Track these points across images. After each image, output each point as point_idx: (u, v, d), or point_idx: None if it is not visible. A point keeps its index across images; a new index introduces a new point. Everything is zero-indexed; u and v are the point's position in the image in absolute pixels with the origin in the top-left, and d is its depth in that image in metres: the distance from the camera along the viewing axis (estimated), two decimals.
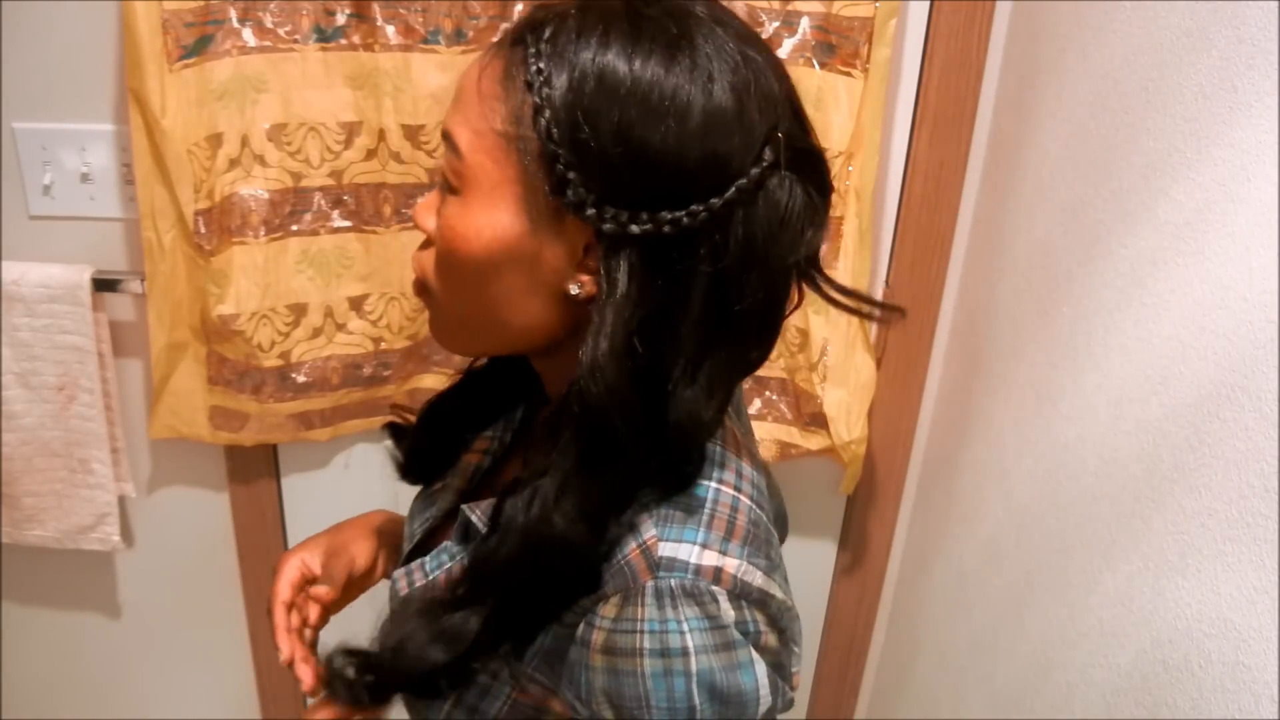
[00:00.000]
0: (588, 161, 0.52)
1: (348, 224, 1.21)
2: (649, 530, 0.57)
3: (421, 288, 0.63)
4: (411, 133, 1.16)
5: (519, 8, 1.13)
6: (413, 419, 0.81)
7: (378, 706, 0.64)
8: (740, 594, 0.56)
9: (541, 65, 0.53)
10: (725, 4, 0.63)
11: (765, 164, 0.54)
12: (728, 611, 0.55)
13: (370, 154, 1.17)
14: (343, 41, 1.13)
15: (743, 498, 0.60)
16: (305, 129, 1.15)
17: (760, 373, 1.27)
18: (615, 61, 0.52)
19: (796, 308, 0.60)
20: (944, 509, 1.25)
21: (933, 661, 1.23)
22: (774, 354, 0.62)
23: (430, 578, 0.68)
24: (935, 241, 1.24)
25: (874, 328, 1.26)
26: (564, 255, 0.56)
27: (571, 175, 0.53)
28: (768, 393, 1.29)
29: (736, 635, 0.56)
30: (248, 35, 1.11)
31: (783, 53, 1.12)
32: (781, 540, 0.81)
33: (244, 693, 1.55)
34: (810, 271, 0.59)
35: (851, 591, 1.47)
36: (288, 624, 0.74)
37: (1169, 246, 0.75)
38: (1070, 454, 0.88)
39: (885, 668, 1.48)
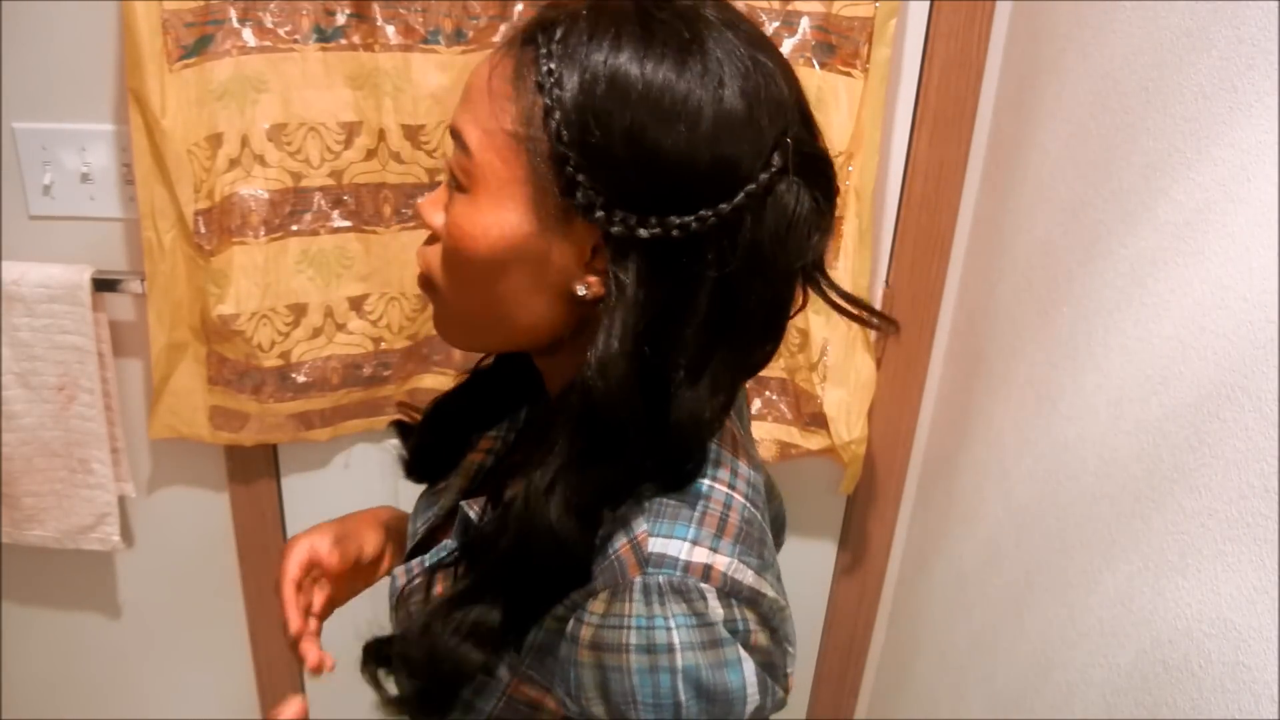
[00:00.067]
0: (597, 164, 0.52)
1: (348, 224, 1.21)
2: (640, 526, 0.57)
3: (426, 283, 0.63)
4: (411, 133, 1.16)
5: (519, 8, 1.13)
6: (419, 417, 0.81)
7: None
8: (730, 592, 0.56)
9: (552, 66, 0.53)
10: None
11: (774, 169, 0.54)
12: (716, 609, 0.55)
13: (370, 154, 1.17)
14: (343, 41, 1.13)
15: (737, 496, 0.60)
16: (305, 129, 1.15)
17: (760, 372, 1.27)
18: (627, 65, 0.52)
19: (800, 309, 0.60)
20: (944, 509, 1.25)
21: (933, 661, 1.23)
22: (773, 358, 0.62)
23: (429, 575, 0.68)
24: (935, 241, 1.24)
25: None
26: (571, 256, 0.56)
27: (581, 177, 0.53)
28: (768, 393, 1.29)
29: (724, 633, 0.56)
30: (248, 35, 1.11)
31: (782, 52, 1.12)
32: (780, 542, 0.81)
33: (244, 693, 1.55)
34: (815, 275, 0.59)
35: (851, 591, 1.47)
36: (296, 601, 0.74)
37: (1169, 246, 0.75)
38: (1070, 454, 0.88)
39: (885, 668, 1.48)
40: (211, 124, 1.12)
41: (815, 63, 1.12)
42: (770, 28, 1.11)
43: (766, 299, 0.56)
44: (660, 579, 0.55)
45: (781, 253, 0.55)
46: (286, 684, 1.54)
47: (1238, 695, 0.62)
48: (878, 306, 1.14)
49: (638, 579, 0.55)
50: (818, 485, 1.40)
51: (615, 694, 0.56)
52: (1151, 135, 0.79)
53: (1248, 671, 0.62)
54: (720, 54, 0.53)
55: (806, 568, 1.47)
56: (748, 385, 1.29)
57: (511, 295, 0.58)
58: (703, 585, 0.55)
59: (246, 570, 1.45)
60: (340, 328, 1.25)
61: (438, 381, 1.32)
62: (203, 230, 1.14)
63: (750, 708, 0.57)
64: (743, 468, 0.63)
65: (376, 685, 0.66)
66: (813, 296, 0.61)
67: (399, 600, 0.70)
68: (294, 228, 1.19)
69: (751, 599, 0.57)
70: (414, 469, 0.81)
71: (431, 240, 0.62)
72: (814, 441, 1.30)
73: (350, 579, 0.80)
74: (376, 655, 0.67)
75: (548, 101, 0.53)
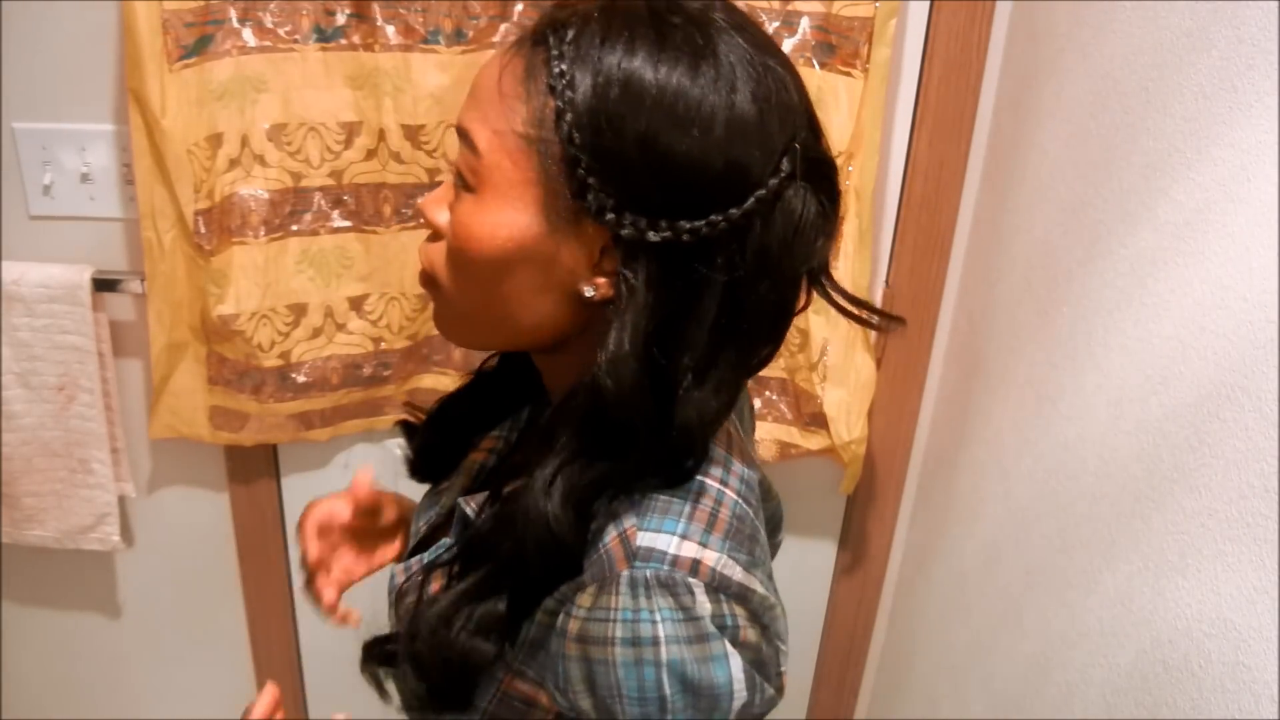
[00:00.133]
0: (609, 167, 0.53)
1: (348, 224, 1.21)
2: (629, 520, 0.57)
3: (428, 280, 0.63)
4: (411, 133, 1.16)
5: (519, 8, 1.13)
6: (424, 417, 0.81)
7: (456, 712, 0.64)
8: (718, 587, 0.56)
9: (564, 67, 0.53)
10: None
11: (783, 175, 0.54)
12: (703, 604, 0.55)
13: (370, 154, 1.17)
14: (343, 41, 1.13)
15: (728, 492, 0.60)
16: (305, 129, 1.15)
17: (760, 372, 1.26)
18: (642, 68, 0.52)
19: (803, 309, 0.61)
20: (944, 509, 1.25)
21: (933, 661, 1.23)
22: (774, 357, 0.63)
23: (426, 572, 0.68)
24: (935, 241, 1.24)
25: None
26: (580, 257, 0.56)
27: (592, 180, 0.53)
28: (768, 393, 1.29)
29: (711, 628, 0.56)
30: (248, 35, 1.11)
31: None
32: (777, 542, 0.81)
33: (244, 693, 1.55)
34: (820, 278, 0.60)
35: (851, 591, 1.47)
36: (316, 539, 0.78)
37: (1169, 246, 0.75)
38: (1070, 454, 0.88)
39: (885, 668, 1.48)
40: (211, 124, 1.12)
41: (815, 63, 1.12)
42: (770, 28, 1.11)
43: (773, 301, 0.57)
44: (647, 573, 0.55)
45: (788, 256, 0.55)
46: (287, 684, 1.54)
47: (1238, 695, 0.62)
48: (878, 306, 1.14)
49: (625, 572, 0.55)
50: (818, 485, 1.40)
51: (601, 687, 0.56)
52: (1151, 135, 0.79)
53: (1248, 671, 0.62)
54: (733, 59, 0.53)
55: (806, 568, 1.47)
56: (748, 385, 1.30)
57: (517, 295, 0.58)
58: (690, 580, 0.55)
59: (246, 570, 1.45)
60: (340, 328, 1.25)
61: (438, 381, 1.32)
62: (203, 230, 1.14)
63: (737, 703, 0.57)
64: (736, 465, 0.63)
65: (378, 685, 0.66)
66: (813, 297, 0.61)
67: (397, 597, 0.70)
68: (294, 228, 1.19)
69: (740, 594, 0.57)
70: (418, 469, 0.81)
71: (434, 237, 0.62)
72: (814, 441, 1.30)
73: (367, 543, 0.82)
74: (377, 655, 0.67)
75: (560, 104, 0.53)
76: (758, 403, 1.29)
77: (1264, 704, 0.60)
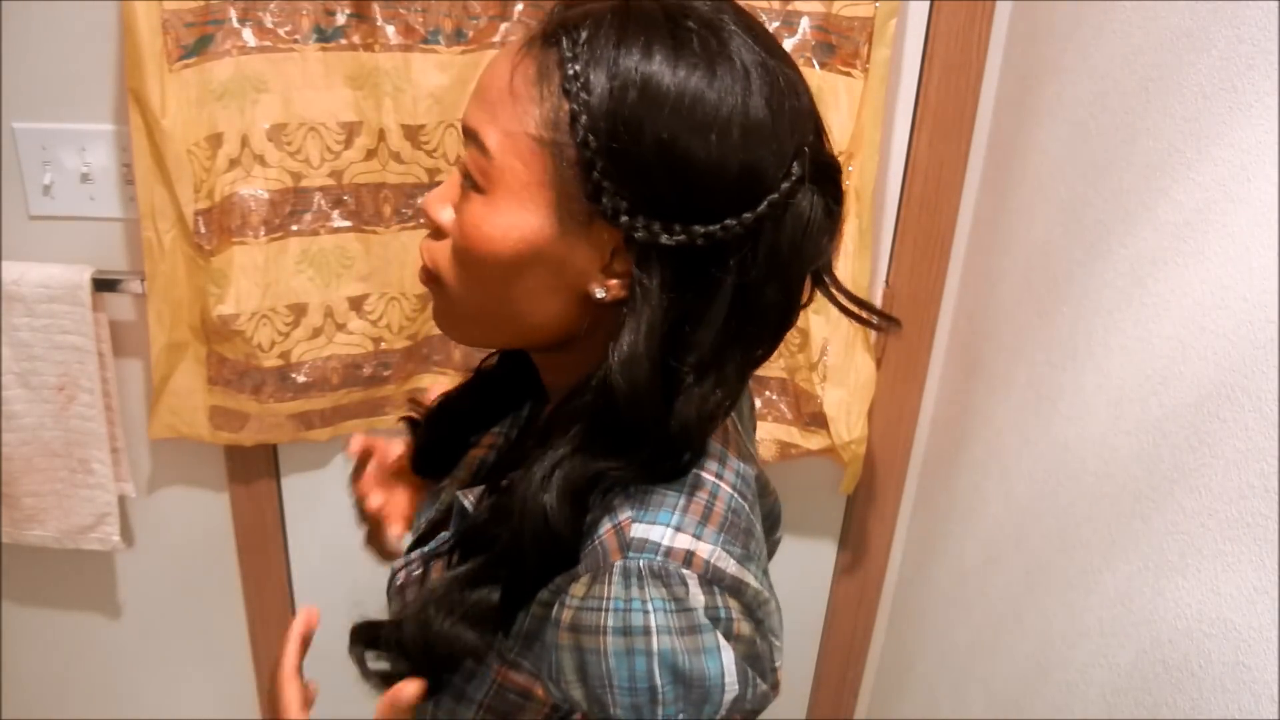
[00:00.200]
0: (625, 170, 0.53)
1: (348, 224, 1.21)
2: (624, 512, 0.57)
3: (430, 277, 0.62)
4: (411, 133, 1.16)
5: (519, 8, 1.13)
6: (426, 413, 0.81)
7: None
8: (712, 579, 0.56)
9: (578, 69, 0.52)
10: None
11: (794, 178, 0.55)
12: (697, 595, 0.55)
13: (370, 154, 1.17)
14: (343, 41, 1.13)
15: (724, 485, 0.60)
16: (305, 129, 1.15)
17: (760, 373, 1.26)
18: (660, 71, 0.52)
19: (806, 305, 0.61)
20: (944, 509, 1.25)
21: (933, 661, 1.24)
22: (774, 354, 0.63)
23: (425, 565, 0.68)
24: (935, 242, 1.24)
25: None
26: (591, 259, 0.56)
27: (607, 183, 0.53)
28: (768, 393, 1.29)
29: (703, 620, 0.56)
30: (248, 35, 1.11)
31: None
32: (775, 539, 0.81)
33: (244, 693, 1.55)
34: (824, 277, 0.60)
35: (851, 591, 1.47)
36: (374, 483, 0.81)
37: (1169, 246, 0.75)
38: (1070, 454, 0.88)
39: (885, 668, 1.48)
40: (211, 124, 1.12)
41: (815, 63, 1.12)
42: (770, 28, 1.11)
43: (780, 301, 0.57)
44: (641, 563, 0.55)
45: (797, 258, 0.56)
46: None
47: (1238, 695, 0.62)
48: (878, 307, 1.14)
49: (618, 562, 0.55)
50: (818, 485, 1.40)
51: (593, 677, 0.56)
52: (1151, 135, 0.79)
53: (1248, 671, 0.62)
54: (746, 63, 0.53)
55: (806, 568, 1.47)
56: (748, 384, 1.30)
57: (526, 295, 0.58)
58: (684, 571, 0.55)
59: (246, 570, 1.45)
60: (340, 328, 1.25)
61: (437, 381, 1.32)
62: (203, 230, 1.14)
63: (729, 697, 0.57)
64: (732, 459, 0.63)
65: (362, 666, 0.66)
66: (815, 294, 0.61)
67: (396, 592, 0.70)
68: (294, 228, 1.19)
69: (734, 587, 0.57)
70: (419, 466, 0.81)
71: (437, 235, 0.62)
72: (814, 441, 1.30)
73: (418, 481, 0.83)
74: (365, 637, 0.67)
75: (574, 107, 0.52)
76: (758, 403, 1.29)
77: (1264, 704, 0.60)
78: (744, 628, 0.58)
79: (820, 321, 1.22)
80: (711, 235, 0.53)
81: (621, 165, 0.52)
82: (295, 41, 1.12)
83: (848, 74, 1.11)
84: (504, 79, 0.55)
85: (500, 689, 0.62)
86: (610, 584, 0.55)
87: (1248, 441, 0.64)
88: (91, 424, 1.27)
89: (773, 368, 1.27)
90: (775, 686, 0.61)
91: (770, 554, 0.75)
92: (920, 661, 1.29)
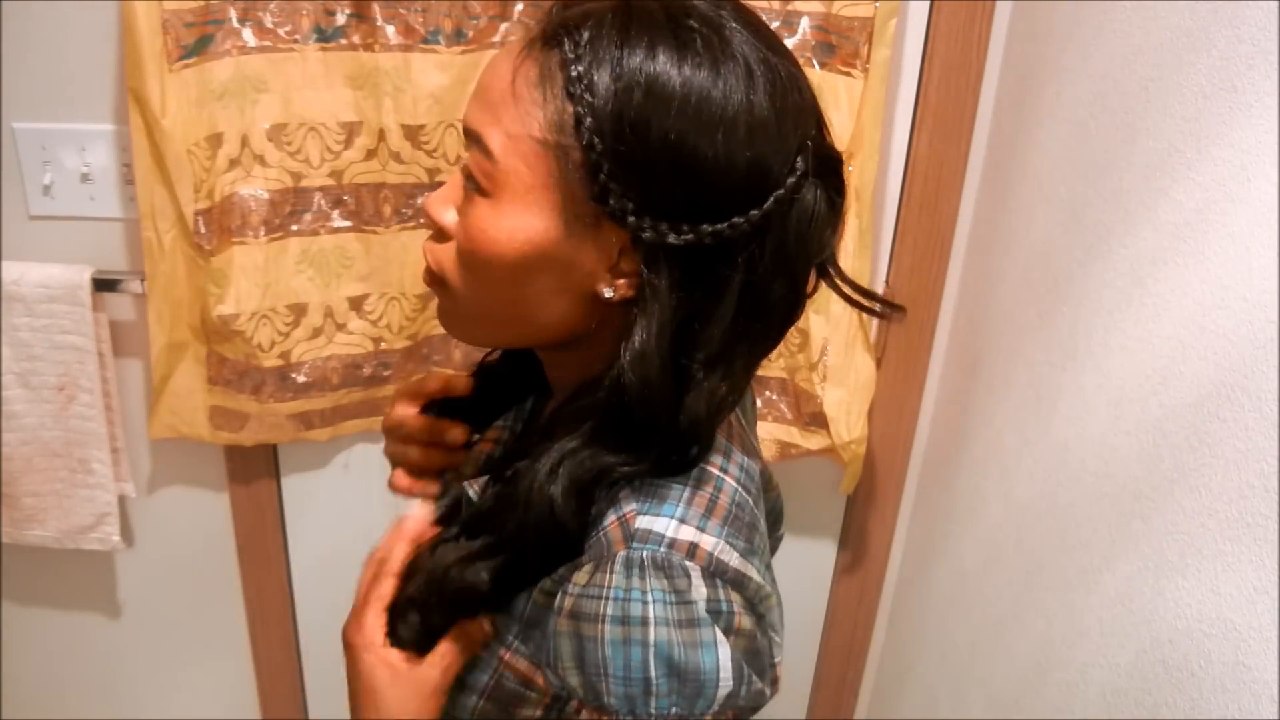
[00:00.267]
0: (631, 171, 0.53)
1: (348, 224, 1.21)
2: (629, 504, 0.57)
3: (435, 279, 0.62)
4: (411, 133, 1.16)
5: (519, 8, 1.13)
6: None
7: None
8: (715, 572, 0.56)
9: (581, 70, 0.52)
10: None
11: (798, 174, 0.55)
12: (699, 588, 0.56)
13: (370, 154, 1.17)
14: (343, 41, 1.13)
15: (728, 479, 0.61)
16: (305, 129, 1.15)
17: (760, 373, 1.26)
18: (665, 71, 0.52)
19: (810, 296, 0.61)
20: (944, 509, 1.25)
21: (933, 661, 1.23)
22: (774, 354, 0.63)
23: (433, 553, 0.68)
24: (935, 242, 1.24)
25: (874, 327, 1.26)
26: (598, 259, 0.57)
27: (614, 185, 0.53)
28: (768, 393, 1.29)
29: (703, 614, 0.56)
30: (248, 35, 1.11)
31: None
32: (778, 535, 0.82)
33: (244, 693, 1.55)
34: (829, 269, 0.61)
35: (851, 591, 1.47)
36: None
37: (1169, 246, 0.75)
38: (1070, 454, 0.88)
39: (885, 668, 1.48)
40: (211, 124, 1.12)
41: (815, 63, 1.12)
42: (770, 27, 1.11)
43: (786, 296, 0.58)
44: (644, 554, 0.55)
45: (803, 252, 0.56)
46: (287, 684, 1.54)
47: (1238, 695, 0.62)
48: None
49: (621, 552, 0.55)
50: (818, 485, 1.40)
51: (589, 664, 0.56)
52: (1151, 135, 0.79)
53: (1248, 671, 0.62)
54: (749, 60, 0.53)
55: (806, 568, 1.47)
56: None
57: (533, 297, 0.58)
58: (687, 563, 0.55)
59: (246, 570, 1.45)
60: (340, 328, 1.25)
61: None
62: (203, 230, 1.14)
63: (722, 693, 0.57)
64: (736, 453, 0.63)
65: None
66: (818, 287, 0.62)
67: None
68: (294, 228, 1.19)
69: (737, 581, 0.57)
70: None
71: (440, 236, 0.61)
72: (814, 441, 1.30)
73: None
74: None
75: (579, 109, 0.52)
76: (758, 402, 1.29)
77: (1264, 704, 0.60)
78: (745, 622, 0.58)
79: (820, 321, 1.22)
80: (719, 233, 0.53)
81: (628, 166, 0.52)
82: (295, 41, 1.12)
83: (848, 74, 1.11)
84: (505, 81, 0.55)
85: (502, 676, 0.63)
86: (612, 573, 0.55)
87: (1248, 441, 0.64)
88: (91, 424, 1.27)
89: (773, 368, 1.27)
90: (775, 683, 0.61)
91: (772, 550, 0.75)
92: (920, 661, 1.29)
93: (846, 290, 0.61)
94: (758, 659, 0.59)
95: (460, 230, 0.59)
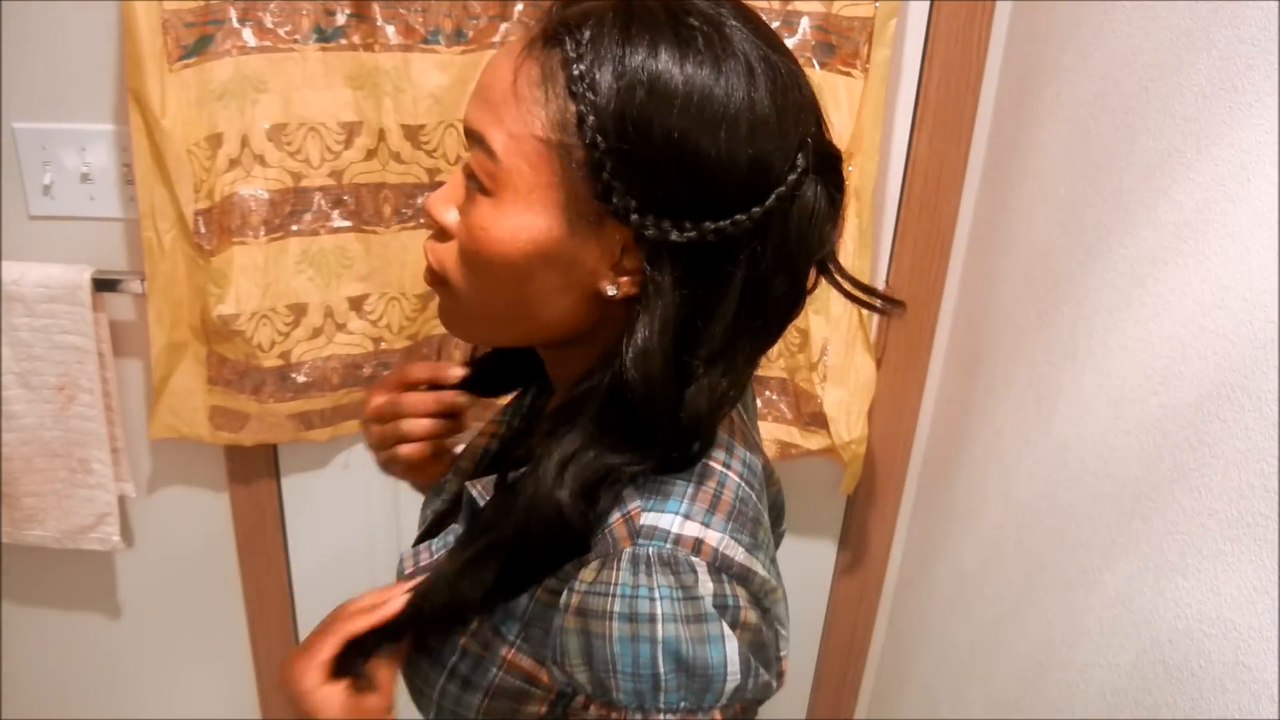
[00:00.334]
0: (634, 170, 0.53)
1: (348, 224, 1.21)
2: (634, 502, 0.58)
3: (437, 279, 0.62)
4: (411, 133, 1.16)
5: (519, 8, 1.13)
6: None
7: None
8: (721, 567, 0.57)
9: (583, 69, 0.52)
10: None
11: (799, 171, 0.55)
12: (705, 583, 0.56)
13: (370, 154, 1.17)
14: (343, 41, 1.13)
15: (731, 475, 0.61)
16: (305, 129, 1.15)
17: (760, 373, 1.26)
18: (668, 69, 0.52)
19: (811, 291, 0.62)
20: (944, 509, 1.25)
21: (933, 661, 1.23)
22: (774, 354, 0.64)
23: (435, 558, 0.69)
24: (935, 242, 1.24)
25: (874, 327, 1.26)
26: (600, 257, 0.57)
27: (616, 183, 0.53)
28: (768, 393, 1.29)
29: (710, 608, 0.56)
30: (248, 35, 1.11)
31: None
32: (779, 530, 0.82)
33: (244, 693, 1.55)
34: (829, 265, 0.61)
35: (851, 591, 1.47)
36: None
37: (1169, 246, 0.75)
38: (1070, 454, 0.88)
39: (885, 668, 1.48)
40: (211, 124, 1.12)
41: (815, 63, 1.12)
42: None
43: (787, 292, 0.58)
44: (650, 550, 0.55)
45: (804, 248, 0.57)
46: None
47: (1238, 695, 0.62)
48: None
49: (627, 549, 0.56)
50: (818, 485, 1.40)
51: (597, 661, 0.57)
52: (1151, 135, 0.79)
53: (1248, 671, 0.62)
54: (750, 58, 0.53)
55: (806, 568, 1.47)
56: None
57: (536, 295, 0.59)
58: (693, 559, 0.56)
59: (246, 570, 1.45)
60: (340, 328, 1.25)
61: None
62: (203, 230, 1.14)
63: (729, 686, 0.57)
64: (739, 449, 0.63)
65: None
66: (812, 296, 0.61)
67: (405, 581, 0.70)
68: (294, 228, 1.19)
69: (742, 576, 0.58)
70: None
71: (441, 236, 0.61)
72: (814, 441, 1.30)
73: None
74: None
75: (581, 108, 0.52)
76: (758, 402, 1.29)
77: (1264, 704, 0.60)
78: (750, 616, 0.58)
79: (820, 321, 1.22)
80: (722, 231, 0.54)
81: (631, 165, 0.52)
82: (295, 41, 1.12)
83: (848, 74, 1.11)
84: (506, 80, 0.55)
85: (505, 675, 0.63)
86: (618, 570, 0.55)
87: (1248, 441, 0.64)
88: (91, 424, 1.27)
89: (773, 368, 1.27)
90: (780, 676, 0.61)
91: (775, 546, 0.75)
92: (920, 661, 1.29)
93: (847, 286, 0.62)
94: (764, 652, 0.59)
95: (462, 229, 0.59)
